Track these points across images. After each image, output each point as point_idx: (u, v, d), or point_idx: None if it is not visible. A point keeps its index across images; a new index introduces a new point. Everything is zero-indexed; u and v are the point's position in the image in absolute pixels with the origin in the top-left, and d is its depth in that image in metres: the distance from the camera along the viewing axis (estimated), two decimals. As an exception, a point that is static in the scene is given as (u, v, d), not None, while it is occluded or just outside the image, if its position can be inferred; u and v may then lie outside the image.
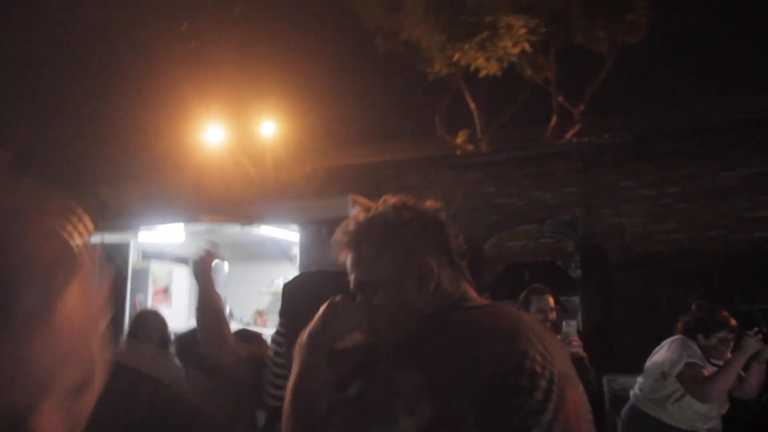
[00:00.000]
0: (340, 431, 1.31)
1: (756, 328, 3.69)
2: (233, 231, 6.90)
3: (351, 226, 1.55)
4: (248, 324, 7.90)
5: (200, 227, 6.89)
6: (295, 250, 6.90)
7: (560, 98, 10.58)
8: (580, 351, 4.08)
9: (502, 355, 1.31)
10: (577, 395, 1.41)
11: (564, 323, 4.32)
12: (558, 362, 1.37)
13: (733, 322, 3.92)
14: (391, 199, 1.56)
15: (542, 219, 8.10)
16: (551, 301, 4.24)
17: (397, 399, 1.28)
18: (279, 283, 8.52)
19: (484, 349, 1.32)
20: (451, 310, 1.45)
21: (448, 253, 1.52)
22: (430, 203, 1.57)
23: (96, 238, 7.88)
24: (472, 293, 1.54)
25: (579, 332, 5.17)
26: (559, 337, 4.21)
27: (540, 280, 4.93)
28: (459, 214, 8.49)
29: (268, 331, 7.40)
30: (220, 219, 6.44)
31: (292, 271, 7.63)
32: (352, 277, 1.54)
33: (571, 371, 1.45)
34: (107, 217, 8.45)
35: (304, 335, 1.47)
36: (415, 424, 1.25)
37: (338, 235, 1.58)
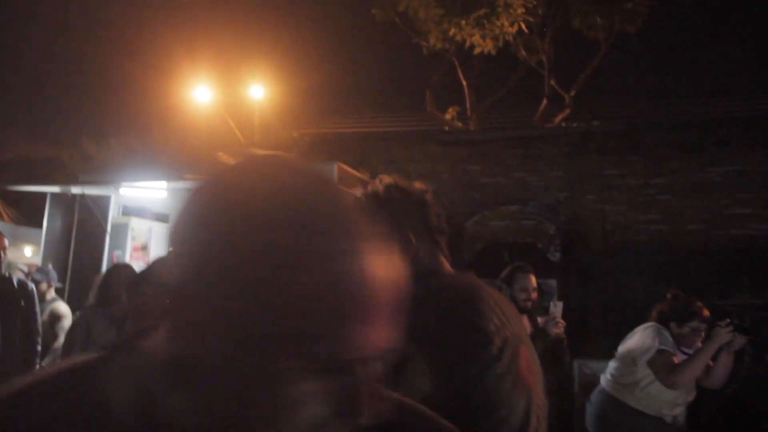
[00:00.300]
0: None
1: (728, 320, 3.74)
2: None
3: None
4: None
5: (183, 185, 6.83)
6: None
7: (552, 82, 10.57)
8: (561, 333, 4.12)
9: (464, 313, 1.54)
10: (529, 354, 1.60)
11: (552, 303, 4.34)
12: (512, 325, 1.58)
13: (707, 312, 3.97)
14: (385, 179, 1.77)
15: (525, 201, 8.12)
16: (534, 280, 4.26)
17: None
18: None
19: (449, 307, 1.55)
20: (424, 277, 1.64)
21: (429, 230, 1.76)
22: (418, 185, 1.79)
23: (77, 191, 7.80)
24: (447, 266, 1.77)
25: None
26: (541, 319, 4.23)
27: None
28: (442, 190, 8.48)
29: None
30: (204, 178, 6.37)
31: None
32: None
33: (524, 333, 1.64)
34: (89, 170, 8.37)
35: None
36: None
37: None
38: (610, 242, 8.16)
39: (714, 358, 3.85)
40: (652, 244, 8.02)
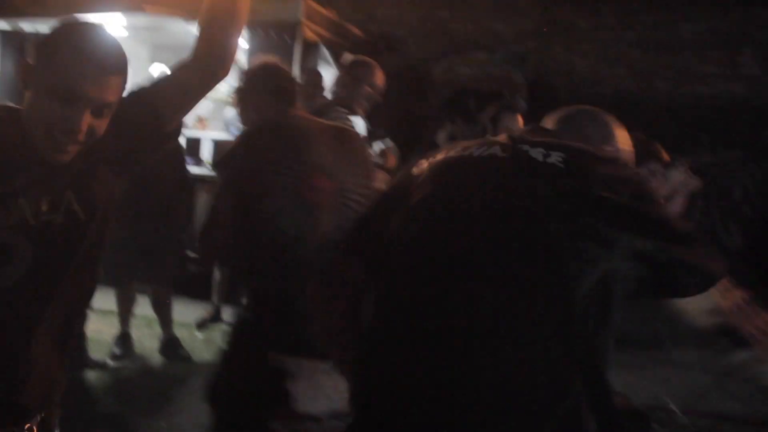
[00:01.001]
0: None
1: (683, 160, 3.80)
2: (177, 28, 6.55)
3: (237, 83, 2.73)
4: (188, 128, 7.78)
5: (142, 20, 6.51)
6: (243, 58, 6.65)
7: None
8: None
9: (293, 150, 2.27)
10: (323, 179, 2.31)
11: None
12: (315, 157, 2.28)
13: (666, 156, 4.03)
14: (252, 66, 2.88)
15: (494, 49, 7.97)
16: (521, 122, 4.35)
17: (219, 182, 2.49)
18: (222, 90, 8.27)
19: (289, 143, 2.30)
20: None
21: (281, 95, 2.54)
22: (283, 66, 2.72)
23: (29, 28, 7.41)
24: (292, 112, 2.53)
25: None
26: None
27: (485, 110, 4.93)
28: (410, 35, 8.28)
29: (207, 134, 7.33)
30: (164, 11, 6.04)
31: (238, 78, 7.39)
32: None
33: (329, 162, 2.32)
34: (37, 3, 7.92)
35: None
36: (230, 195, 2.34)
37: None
38: (576, 95, 8.08)
39: (669, 201, 3.95)
40: (619, 99, 8.00)
